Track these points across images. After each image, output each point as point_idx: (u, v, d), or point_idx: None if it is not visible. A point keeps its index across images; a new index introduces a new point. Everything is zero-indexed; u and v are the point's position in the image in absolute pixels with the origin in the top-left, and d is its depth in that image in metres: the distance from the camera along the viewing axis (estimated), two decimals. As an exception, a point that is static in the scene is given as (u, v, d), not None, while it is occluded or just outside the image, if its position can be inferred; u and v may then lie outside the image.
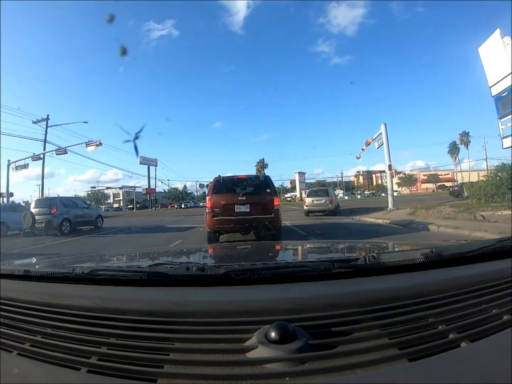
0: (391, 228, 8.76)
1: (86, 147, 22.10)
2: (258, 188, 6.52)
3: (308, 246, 2.30)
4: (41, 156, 23.41)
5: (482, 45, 13.00)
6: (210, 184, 6.68)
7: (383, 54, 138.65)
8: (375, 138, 17.93)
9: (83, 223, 12.50)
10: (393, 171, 17.60)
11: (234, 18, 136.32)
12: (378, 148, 17.79)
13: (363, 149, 19.96)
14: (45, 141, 24.98)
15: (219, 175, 6.66)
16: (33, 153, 23.37)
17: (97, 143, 21.83)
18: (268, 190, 6.37)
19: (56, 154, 23.16)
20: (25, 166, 23.57)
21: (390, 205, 15.47)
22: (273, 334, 0.53)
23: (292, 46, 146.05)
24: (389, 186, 16.89)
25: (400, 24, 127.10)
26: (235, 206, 6.10)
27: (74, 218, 11.70)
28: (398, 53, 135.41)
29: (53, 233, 10.66)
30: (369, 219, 11.70)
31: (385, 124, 16.93)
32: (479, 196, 12.91)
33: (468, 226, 6.97)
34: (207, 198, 6.39)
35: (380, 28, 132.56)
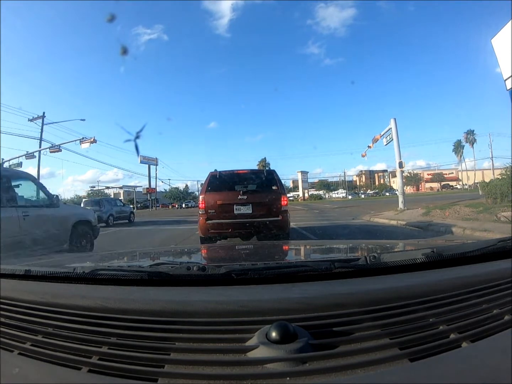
0: (409, 231, 7.84)
1: (80, 144, 21.41)
2: (262, 184, 5.48)
3: (309, 246, 2.28)
4: (35, 154, 22.76)
5: (495, 36, 12.36)
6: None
7: (384, 52, 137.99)
8: (384, 134, 17.11)
9: (121, 218, 15.94)
10: (404, 168, 16.68)
11: (221, 21, 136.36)
12: (386, 144, 17.08)
13: (369, 146, 19.26)
14: (40, 139, 24.45)
15: (215, 170, 5.61)
16: (27, 151, 22.68)
17: (91, 139, 21.18)
18: (274, 187, 5.33)
19: (50, 152, 22.56)
20: (19, 165, 22.89)
21: (400, 205, 14.47)
22: (274, 334, 0.53)
23: (290, 48, 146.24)
24: (399, 185, 16.00)
25: (397, 19, 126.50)
26: (234, 206, 5.13)
27: (116, 213, 15.42)
28: (398, 51, 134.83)
29: (102, 225, 11.98)
30: (381, 220, 10.78)
31: (395, 119, 15.83)
32: (495, 196, 12.22)
33: (497, 229, 6.15)
34: (200, 197, 5.33)
35: (378, 27, 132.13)
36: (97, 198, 17.87)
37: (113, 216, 15.03)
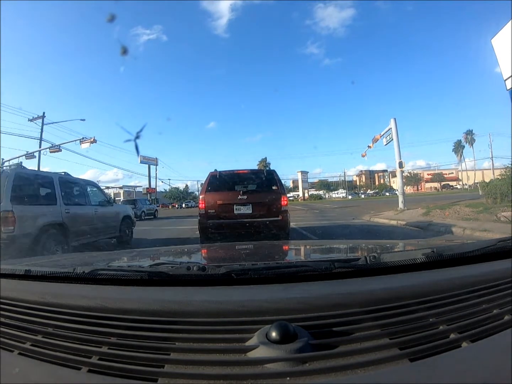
0: (409, 231, 7.79)
1: (80, 144, 21.38)
2: (262, 184, 5.51)
3: (309, 245, 2.27)
4: (35, 154, 22.70)
5: (495, 36, 12.34)
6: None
7: (384, 52, 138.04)
8: (384, 134, 17.12)
9: (149, 214, 20.58)
10: (404, 168, 16.66)
11: (220, 21, 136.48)
12: (386, 144, 17.12)
13: (369, 146, 19.24)
14: (40, 139, 24.34)
15: (216, 170, 5.62)
16: (27, 151, 22.64)
17: (92, 139, 21.15)
18: (274, 187, 5.34)
19: (50, 152, 22.48)
20: (19, 165, 22.77)
21: (400, 205, 14.48)
22: (274, 334, 0.53)
23: (290, 48, 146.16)
24: (399, 185, 15.98)
25: (397, 19, 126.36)
26: (234, 206, 5.14)
27: (146, 210, 20.16)
28: (398, 51, 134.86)
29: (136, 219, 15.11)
30: (381, 220, 10.75)
31: (395, 119, 15.90)
32: (495, 196, 12.20)
33: (497, 229, 6.14)
34: (200, 197, 5.36)
35: (378, 27, 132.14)
36: (133, 198, 24.70)
37: (144, 213, 19.71)
